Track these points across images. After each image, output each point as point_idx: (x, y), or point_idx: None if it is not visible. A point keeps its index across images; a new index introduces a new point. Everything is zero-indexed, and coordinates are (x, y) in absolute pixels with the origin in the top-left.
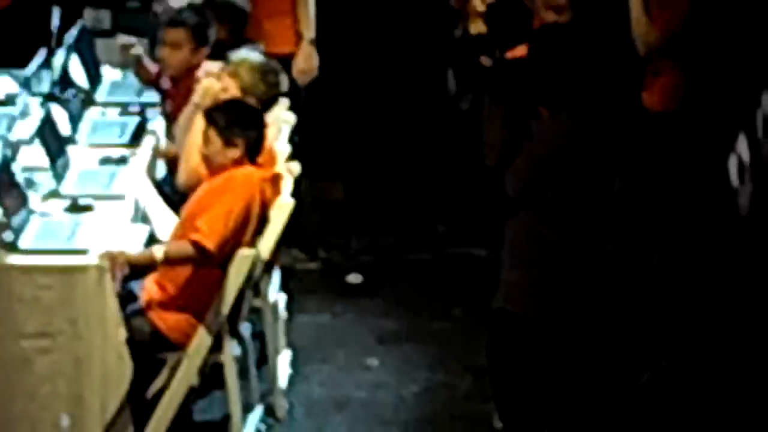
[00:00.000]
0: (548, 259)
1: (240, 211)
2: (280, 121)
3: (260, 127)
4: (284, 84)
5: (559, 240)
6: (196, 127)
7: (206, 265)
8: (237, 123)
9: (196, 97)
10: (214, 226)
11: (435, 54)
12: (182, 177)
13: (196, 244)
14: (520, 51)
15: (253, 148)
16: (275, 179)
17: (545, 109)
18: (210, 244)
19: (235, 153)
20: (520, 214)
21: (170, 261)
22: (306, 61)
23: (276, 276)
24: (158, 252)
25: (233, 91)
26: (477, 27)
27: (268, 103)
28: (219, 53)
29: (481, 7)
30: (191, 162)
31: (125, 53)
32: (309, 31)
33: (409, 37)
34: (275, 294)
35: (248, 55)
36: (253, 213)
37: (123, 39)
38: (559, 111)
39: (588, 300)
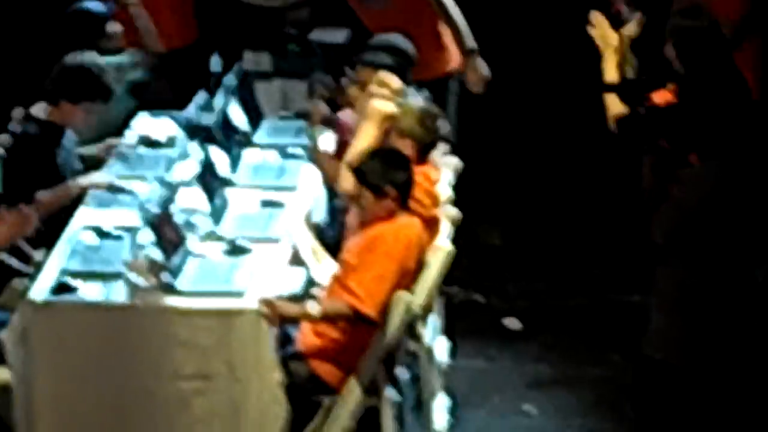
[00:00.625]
0: (695, 306)
1: (395, 271)
2: (444, 164)
3: (407, 170)
4: (443, 128)
5: (706, 288)
6: (362, 132)
7: (364, 325)
8: (384, 172)
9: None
10: (370, 289)
11: (592, 99)
12: (344, 183)
13: (353, 308)
14: (665, 95)
15: (404, 193)
16: (434, 222)
17: (695, 156)
18: (368, 309)
19: (387, 203)
20: (668, 261)
21: (326, 318)
22: (475, 73)
23: (433, 320)
24: (314, 309)
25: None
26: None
27: (427, 147)
28: None
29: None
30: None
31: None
32: (469, 42)
33: (567, 81)
34: (432, 338)
35: (410, 100)
36: (408, 268)
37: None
38: (709, 158)
39: (736, 349)
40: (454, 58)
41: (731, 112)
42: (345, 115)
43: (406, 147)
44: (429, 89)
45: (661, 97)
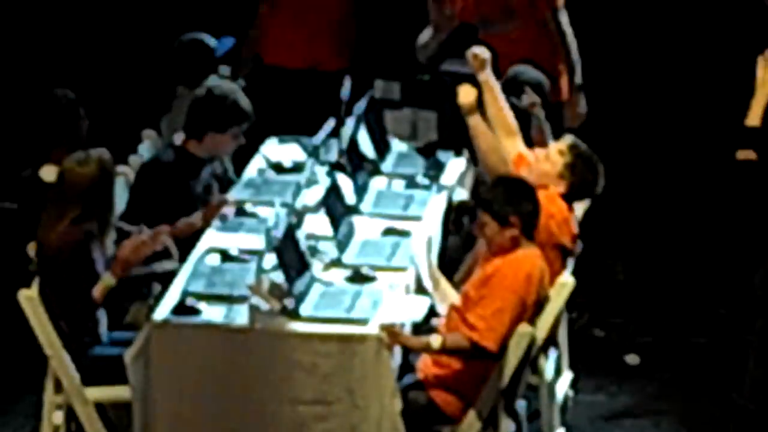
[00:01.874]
0: None
1: (515, 305)
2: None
3: (533, 200)
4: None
5: None
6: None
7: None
8: (509, 201)
9: None
10: (491, 323)
11: (721, 133)
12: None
13: (475, 344)
14: None
15: (529, 223)
16: (563, 250)
17: None
18: (490, 343)
19: (512, 232)
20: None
21: (447, 351)
22: (576, 108)
23: (555, 354)
24: (435, 342)
25: (552, 167)
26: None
27: (575, 194)
28: None
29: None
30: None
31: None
32: (578, 77)
33: (695, 115)
34: (555, 372)
35: (579, 142)
36: (528, 302)
37: None
38: None
39: None
40: (564, 89)
41: None
42: None
43: (560, 185)
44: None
45: None
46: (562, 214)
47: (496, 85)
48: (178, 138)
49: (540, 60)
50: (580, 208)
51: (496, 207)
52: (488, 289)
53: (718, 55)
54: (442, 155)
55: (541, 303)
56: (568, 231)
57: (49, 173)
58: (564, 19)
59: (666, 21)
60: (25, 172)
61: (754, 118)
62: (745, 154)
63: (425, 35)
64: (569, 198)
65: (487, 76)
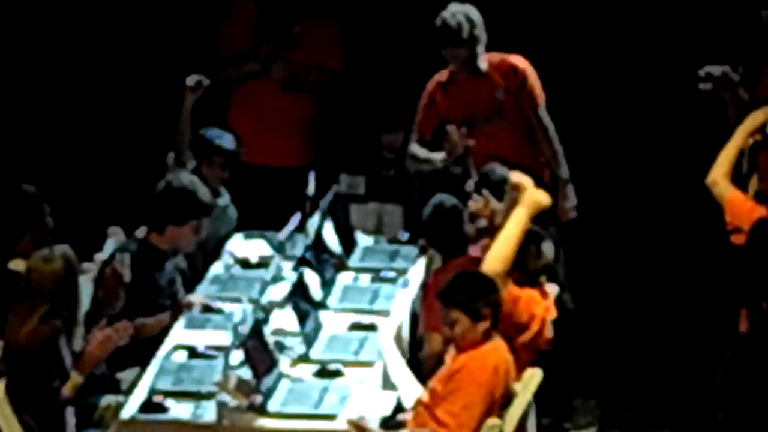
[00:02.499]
0: None
1: (483, 399)
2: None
3: (497, 291)
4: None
5: None
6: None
7: None
8: (479, 294)
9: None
10: (461, 419)
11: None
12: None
13: None
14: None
15: (497, 314)
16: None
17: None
18: None
19: (485, 325)
20: (725, 405)
21: None
22: (567, 201)
23: None
24: None
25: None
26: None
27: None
28: None
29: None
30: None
31: None
32: (564, 170)
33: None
34: None
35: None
36: (496, 394)
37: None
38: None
39: None
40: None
41: None
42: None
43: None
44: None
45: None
46: (529, 310)
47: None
48: (141, 231)
49: (521, 157)
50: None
51: (468, 303)
52: (456, 384)
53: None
54: (408, 249)
55: (508, 395)
56: (538, 325)
57: (17, 265)
58: (545, 114)
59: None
60: None
61: (717, 174)
62: (738, 239)
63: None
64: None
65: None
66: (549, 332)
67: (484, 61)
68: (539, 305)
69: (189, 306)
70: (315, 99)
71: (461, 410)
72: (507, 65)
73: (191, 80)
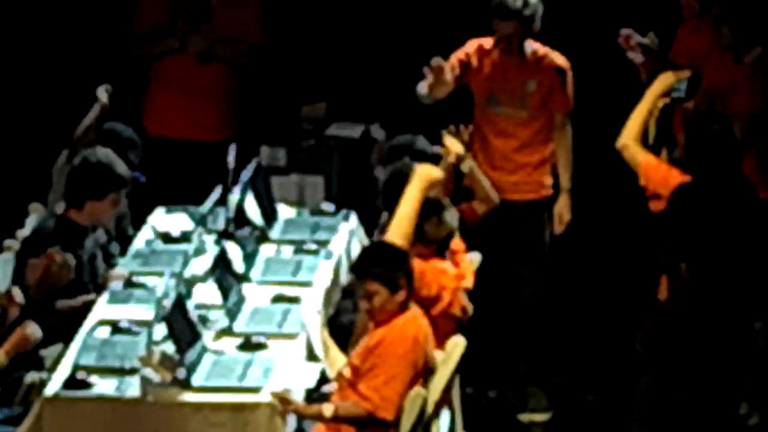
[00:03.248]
0: (672, 420)
1: (406, 372)
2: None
3: (408, 261)
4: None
5: (685, 402)
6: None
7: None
8: (396, 265)
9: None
10: (384, 393)
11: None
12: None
13: (371, 414)
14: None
15: (412, 283)
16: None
17: (684, 266)
18: (386, 414)
19: (402, 295)
20: (647, 371)
21: (339, 420)
22: (566, 212)
23: (446, 416)
24: (327, 410)
25: None
26: None
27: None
28: None
29: None
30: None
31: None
32: (568, 179)
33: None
34: None
35: None
36: (418, 364)
37: None
38: (697, 270)
39: None
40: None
41: (727, 226)
42: None
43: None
44: (528, 210)
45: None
46: (439, 281)
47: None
48: (59, 207)
49: (528, 154)
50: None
51: (385, 274)
52: (377, 358)
53: None
54: (330, 220)
55: (430, 365)
56: (450, 294)
57: None
58: (568, 120)
59: None
60: None
61: (628, 137)
62: (657, 205)
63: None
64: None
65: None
66: (463, 300)
67: (529, 46)
68: (447, 276)
69: (121, 278)
70: (234, 72)
71: (383, 384)
72: (549, 60)
73: (103, 94)
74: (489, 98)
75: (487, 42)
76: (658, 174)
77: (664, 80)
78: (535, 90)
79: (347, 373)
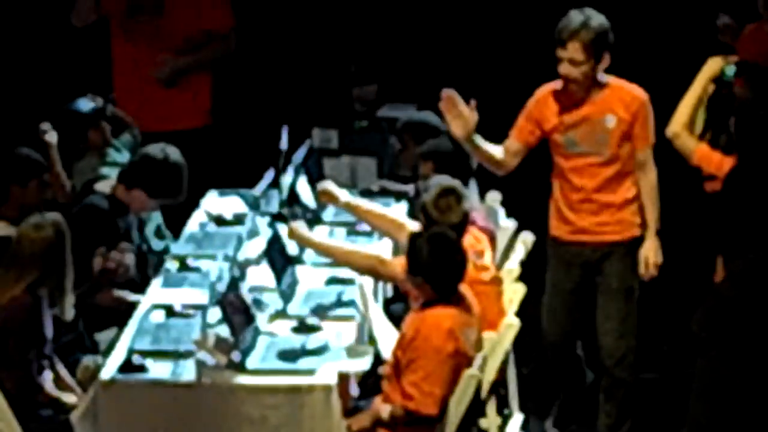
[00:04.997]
0: (731, 397)
1: (443, 365)
2: (520, 240)
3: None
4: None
5: (741, 383)
6: None
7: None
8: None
9: None
10: (425, 389)
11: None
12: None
13: (415, 413)
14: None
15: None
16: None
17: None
18: (430, 409)
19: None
20: (705, 352)
21: (394, 421)
22: (656, 255)
23: (501, 396)
24: (384, 412)
25: None
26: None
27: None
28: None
29: None
30: None
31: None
32: (656, 222)
33: None
34: (504, 413)
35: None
36: (461, 352)
37: None
38: (752, 253)
39: None
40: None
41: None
42: None
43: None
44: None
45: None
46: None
47: (359, 202)
48: (106, 185)
49: (608, 193)
50: (522, 249)
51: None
52: (414, 352)
53: None
54: (382, 200)
55: (468, 352)
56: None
57: (2, 229)
58: (651, 154)
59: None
60: None
61: (678, 124)
62: (713, 186)
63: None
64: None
65: (347, 200)
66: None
67: (602, 78)
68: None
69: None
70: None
71: (422, 380)
72: (626, 92)
73: (50, 136)
74: (566, 140)
75: (556, 83)
76: (713, 159)
77: (712, 66)
78: (614, 126)
79: (389, 366)
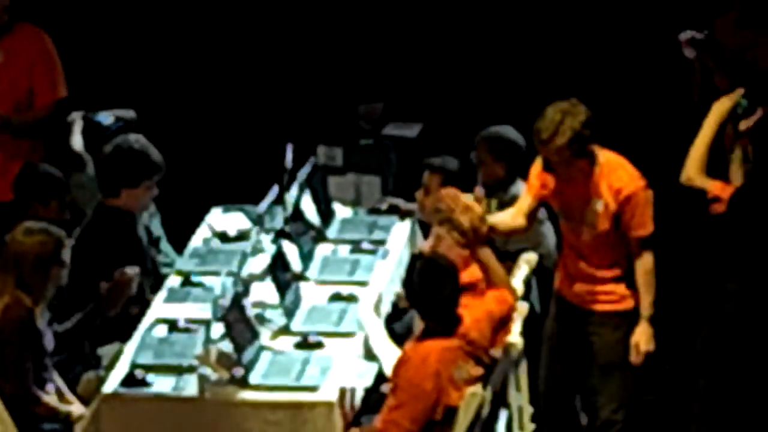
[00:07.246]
0: (729, 423)
1: (418, 405)
2: (524, 260)
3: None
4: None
5: (741, 405)
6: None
7: None
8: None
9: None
10: (395, 418)
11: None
12: None
13: None
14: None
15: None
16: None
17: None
18: None
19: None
20: (705, 372)
21: None
22: (647, 342)
23: (505, 415)
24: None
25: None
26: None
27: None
28: (495, 189)
29: None
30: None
31: None
32: (650, 308)
33: None
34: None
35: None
36: (435, 395)
37: None
38: (755, 274)
39: None
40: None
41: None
42: None
43: None
44: (606, 322)
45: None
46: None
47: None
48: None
49: (599, 266)
50: (526, 269)
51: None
52: (398, 380)
53: None
54: (386, 219)
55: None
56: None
57: None
58: (647, 244)
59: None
60: None
61: (691, 170)
62: (717, 208)
63: None
64: None
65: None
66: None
67: (597, 155)
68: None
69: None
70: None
71: (395, 409)
72: (616, 179)
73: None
74: (560, 212)
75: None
76: (722, 185)
77: (719, 108)
78: (602, 211)
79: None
